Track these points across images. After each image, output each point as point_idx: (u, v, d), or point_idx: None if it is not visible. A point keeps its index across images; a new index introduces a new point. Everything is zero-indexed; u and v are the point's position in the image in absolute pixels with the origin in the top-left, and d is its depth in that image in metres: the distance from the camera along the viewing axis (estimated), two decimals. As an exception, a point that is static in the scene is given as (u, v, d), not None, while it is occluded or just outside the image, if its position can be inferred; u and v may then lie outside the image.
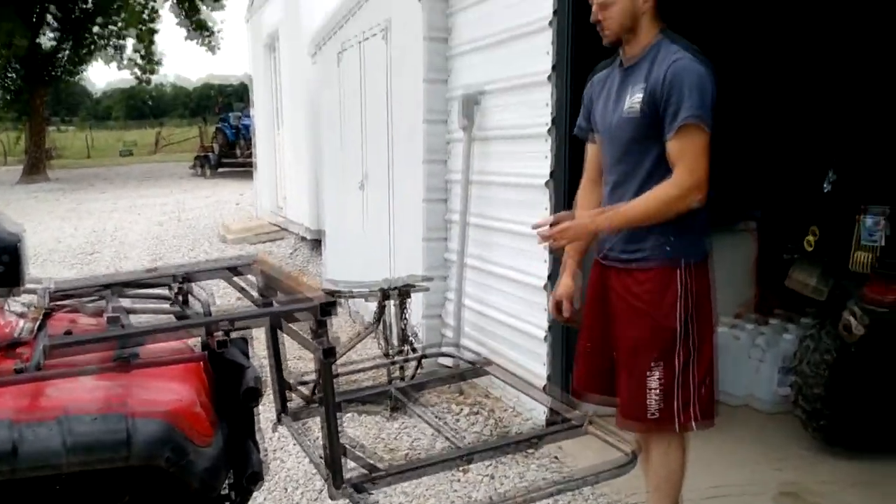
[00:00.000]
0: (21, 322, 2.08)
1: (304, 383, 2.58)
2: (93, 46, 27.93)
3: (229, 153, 24.44)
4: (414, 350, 5.01)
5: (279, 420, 2.50)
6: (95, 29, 27.25)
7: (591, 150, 2.97)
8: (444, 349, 5.12)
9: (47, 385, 1.83)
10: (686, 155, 2.50)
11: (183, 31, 27.96)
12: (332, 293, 5.11)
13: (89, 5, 26.33)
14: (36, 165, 25.88)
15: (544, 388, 4.18)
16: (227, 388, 2.04)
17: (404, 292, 4.95)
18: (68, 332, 2.00)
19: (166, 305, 2.35)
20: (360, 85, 6.83)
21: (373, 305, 5.09)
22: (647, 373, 2.65)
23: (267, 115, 12.69)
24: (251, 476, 2.05)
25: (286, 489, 3.80)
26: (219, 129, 25.47)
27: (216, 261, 2.64)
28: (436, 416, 4.45)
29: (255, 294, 2.38)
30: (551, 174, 4.17)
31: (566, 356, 4.07)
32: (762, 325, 4.81)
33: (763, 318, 4.93)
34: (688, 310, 2.64)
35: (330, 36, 7.87)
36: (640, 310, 2.67)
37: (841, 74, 5.54)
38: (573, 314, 2.97)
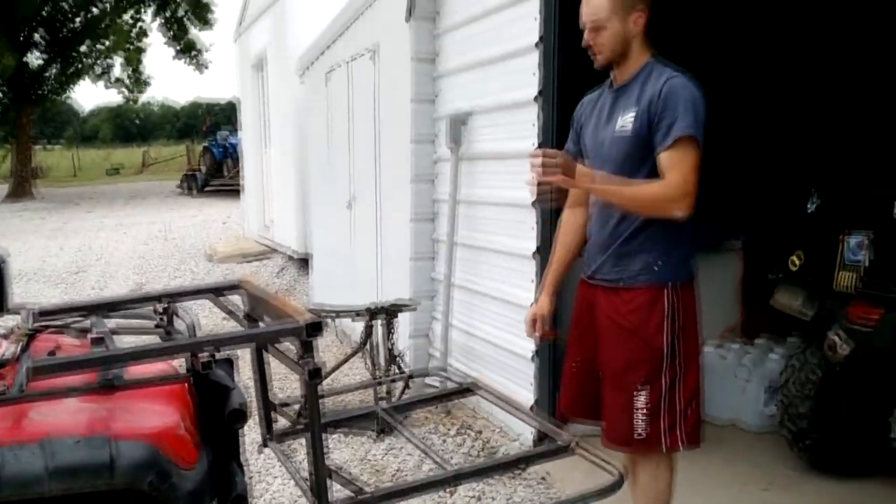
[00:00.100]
0: (4, 344, 2.07)
1: (289, 405, 2.57)
2: (80, 66, 27.90)
3: (217, 173, 24.44)
4: (401, 371, 5.00)
5: (265, 442, 2.48)
6: (83, 48, 27.24)
7: None
8: (431, 370, 5.12)
9: (30, 408, 1.81)
10: (680, 165, 2.51)
11: (171, 52, 28.04)
12: (318, 313, 5.11)
13: (77, 25, 26.33)
14: (22, 185, 25.80)
15: (532, 409, 4.18)
16: (212, 410, 2.03)
17: (391, 313, 4.95)
18: (52, 354, 1.98)
19: (151, 326, 2.34)
20: (347, 105, 6.85)
21: (360, 326, 5.08)
22: (634, 393, 2.65)
23: (255, 135, 12.70)
24: (236, 499, 2.03)
25: (272, 512, 3.77)
26: (206, 149, 25.47)
27: (202, 284, 2.63)
28: (423, 438, 4.44)
29: (241, 315, 2.37)
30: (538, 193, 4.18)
31: (553, 377, 4.07)
32: (748, 345, 4.83)
33: (749, 339, 4.95)
34: (675, 330, 2.65)
35: (318, 56, 7.90)
36: (627, 330, 2.67)
37: (822, 96, 5.60)
38: (546, 333, 3.01)
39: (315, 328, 1.87)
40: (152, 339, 2.21)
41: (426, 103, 5.34)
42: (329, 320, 6.28)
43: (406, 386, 5.01)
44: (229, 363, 2.12)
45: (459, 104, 5.02)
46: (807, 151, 5.46)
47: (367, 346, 5.03)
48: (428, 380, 5.16)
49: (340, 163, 7.15)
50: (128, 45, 27.03)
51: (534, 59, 4.15)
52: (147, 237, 14.53)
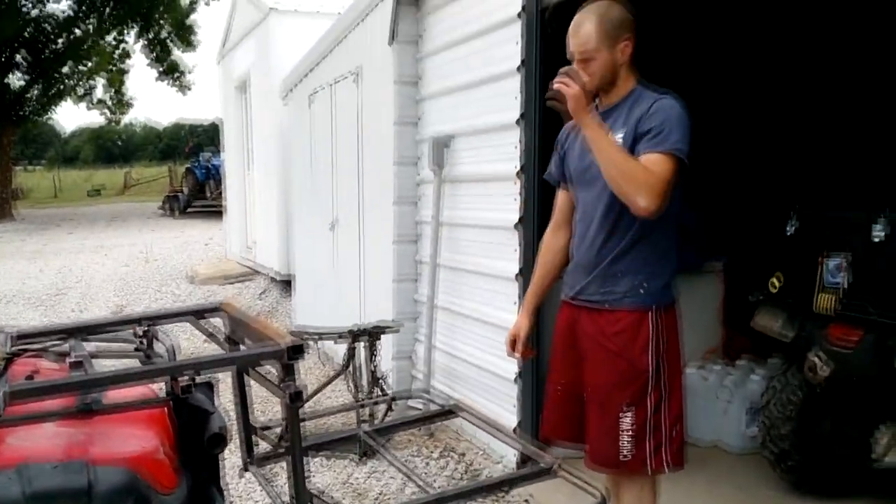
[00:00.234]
0: (-18, 368, 2.04)
1: (271, 428, 2.55)
2: (62, 87, 27.82)
3: (199, 194, 24.36)
4: (384, 393, 4.98)
5: (245, 467, 2.46)
6: (65, 69, 27.17)
7: (561, 196, 3.00)
8: (414, 392, 5.10)
9: (7, 432, 1.79)
10: (662, 170, 2.50)
11: (153, 73, 28.00)
12: (300, 336, 5.09)
13: (60, 46, 26.28)
14: (2, 206, 25.61)
15: (515, 430, 4.17)
16: (192, 434, 2.01)
17: (374, 335, 4.93)
18: (30, 378, 1.96)
19: (131, 349, 2.32)
20: (331, 127, 6.86)
21: (343, 347, 5.06)
22: (620, 415, 2.65)
23: (237, 157, 12.69)
24: (216, 524, 2.01)
25: (253, 536, 3.73)
26: (189, 170, 25.40)
27: (182, 307, 2.61)
28: (406, 461, 4.41)
29: (222, 337, 2.36)
30: (521, 216, 4.20)
31: (536, 398, 4.07)
32: (730, 366, 4.85)
33: (731, 360, 4.97)
34: (659, 352, 2.66)
35: (301, 78, 7.92)
36: (613, 351, 2.68)
37: (802, 119, 5.66)
38: (525, 351, 3.04)
39: (296, 351, 1.86)
40: (132, 363, 2.19)
41: (409, 125, 5.36)
42: (311, 342, 6.25)
43: (389, 408, 4.99)
44: (209, 387, 2.11)
45: (442, 127, 5.04)
46: (786, 174, 5.51)
47: (350, 369, 5.01)
48: (411, 402, 5.14)
49: (323, 185, 7.16)
50: (110, 67, 27.00)
51: (516, 82, 4.18)
52: (128, 259, 14.44)
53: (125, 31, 27.11)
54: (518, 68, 4.15)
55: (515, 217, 4.22)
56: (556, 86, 2.63)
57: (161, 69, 27.93)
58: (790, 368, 3.84)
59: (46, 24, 26.08)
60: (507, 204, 4.29)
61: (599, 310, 2.72)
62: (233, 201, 13.35)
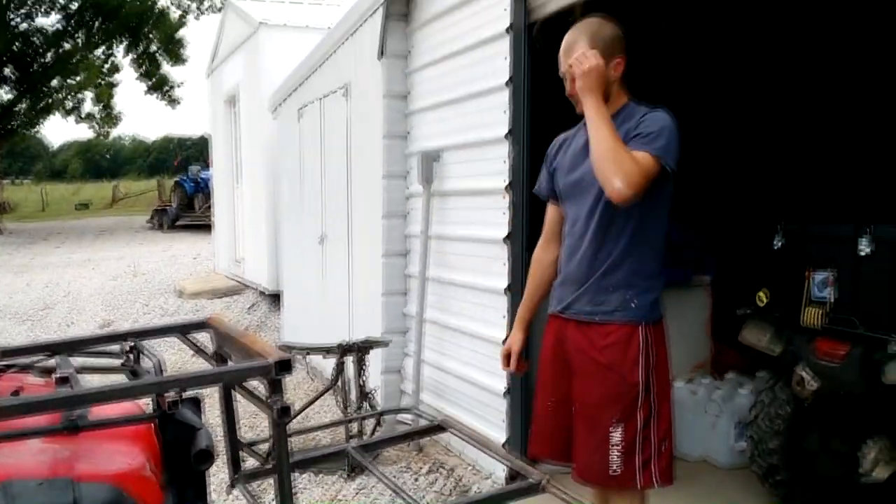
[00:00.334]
0: (-34, 384, 2.02)
1: (258, 443, 2.54)
2: (51, 101, 27.75)
3: (188, 208, 24.31)
4: (373, 408, 4.97)
5: (233, 483, 2.45)
6: (54, 83, 27.12)
7: (550, 211, 3.01)
8: (403, 408, 5.09)
9: (-9, 449, 1.77)
10: (645, 166, 2.52)
11: (142, 87, 27.97)
12: (288, 349, 5.07)
13: (48, 60, 26.23)
14: (-11, 220, 25.47)
15: (504, 446, 4.16)
16: (179, 450, 2.00)
17: (363, 350, 4.93)
18: (16, 394, 1.95)
19: (118, 365, 2.30)
20: (320, 141, 6.87)
21: (331, 362, 5.05)
22: (611, 428, 2.65)
23: (226, 171, 12.67)
24: (202, 541, 2.00)
25: (240, 553, 3.70)
26: (178, 183, 25.35)
27: (168, 323, 2.60)
28: (395, 476, 4.40)
29: (210, 352, 2.34)
30: (510, 230, 4.21)
31: (525, 413, 4.06)
32: (718, 380, 4.86)
33: (719, 374, 4.99)
34: (649, 367, 2.67)
35: (290, 93, 7.94)
36: (603, 364, 2.68)
37: (788, 134, 5.71)
38: (519, 366, 3.05)
39: (284, 367, 1.85)
40: (118, 378, 2.18)
41: (398, 140, 5.37)
42: (300, 357, 6.24)
43: (377, 423, 4.97)
44: (196, 402, 2.09)
45: (431, 141, 5.06)
46: (773, 189, 5.55)
47: (339, 384, 5.00)
48: (400, 417, 5.13)
49: (312, 199, 7.16)
50: (99, 81, 26.94)
51: (504, 97, 4.20)
52: (116, 273, 14.38)
53: (114, 45, 27.10)
54: (507, 83, 4.17)
55: (504, 231, 4.23)
56: (572, 60, 2.65)
57: (150, 83, 27.90)
58: (778, 383, 3.85)
59: (35, 38, 26.04)
60: (496, 218, 4.30)
61: (589, 323, 2.73)
62: (221, 215, 13.32)
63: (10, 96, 26.93)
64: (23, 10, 25.37)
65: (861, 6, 5.01)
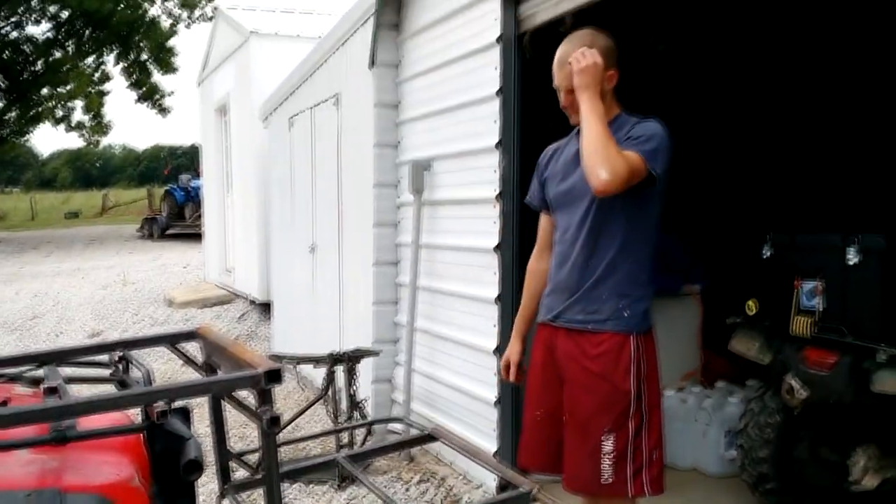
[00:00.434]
0: (-47, 395, 2.01)
1: (248, 454, 2.53)
2: (40, 110, 27.63)
3: (178, 217, 24.24)
4: (364, 417, 4.96)
5: (222, 494, 2.44)
6: (44, 92, 27.02)
7: (543, 221, 3.03)
8: (393, 417, 5.08)
9: (-22, 461, 1.76)
10: (633, 161, 2.54)
11: (132, 96, 27.86)
12: (278, 359, 5.06)
13: (39, 68, 26.15)
14: (-22, 229, 25.32)
15: (495, 454, 4.16)
16: (168, 461, 1.99)
17: (353, 359, 4.92)
18: (3, 405, 1.94)
19: (107, 374, 2.29)
20: (310, 150, 6.87)
21: (322, 371, 5.04)
22: (602, 437, 2.65)
23: (216, 179, 12.65)
24: (191, 553, 1.98)
25: (229, 564, 3.68)
26: (168, 192, 25.29)
27: (157, 333, 2.59)
28: (385, 486, 4.39)
29: (199, 362, 2.34)
30: (500, 240, 4.22)
31: (515, 422, 4.06)
32: (708, 389, 4.86)
33: (709, 383, 5.00)
34: (640, 376, 2.67)
35: (281, 102, 7.94)
36: (595, 373, 2.69)
37: (778, 144, 5.74)
38: (520, 377, 3.05)
39: (273, 377, 1.85)
40: (108, 389, 2.17)
41: (389, 149, 5.38)
42: (290, 367, 6.22)
43: (368, 433, 4.97)
44: (185, 413, 2.08)
45: (422, 150, 5.06)
46: (763, 198, 5.58)
47: (329, 393, 4.99)
48: (391, 426, 5.12)
49: (303, 208, 7.15)
50: (89, 90, 26.86)
51: (494, 107, 4.21)
52: (106, 282, 14.32)
53: (104, 54, 27.02)
54: (497, 93, 4.18)
55: (495, 241, 4.24)
56: (571, 59, 2.67)
57: (140, 92, 27.83)
58: (768, 392, 3.86)
59: (25, 47, 25.97)
60: (487, 227, 4.31)
61: (581, 331, 2.74)
62: (211, 225, 13.29)
63: (-1, 105, 26.86)
64: (13, 19, 25.32)
65: (843, 21, 5.06)
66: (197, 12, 26.82)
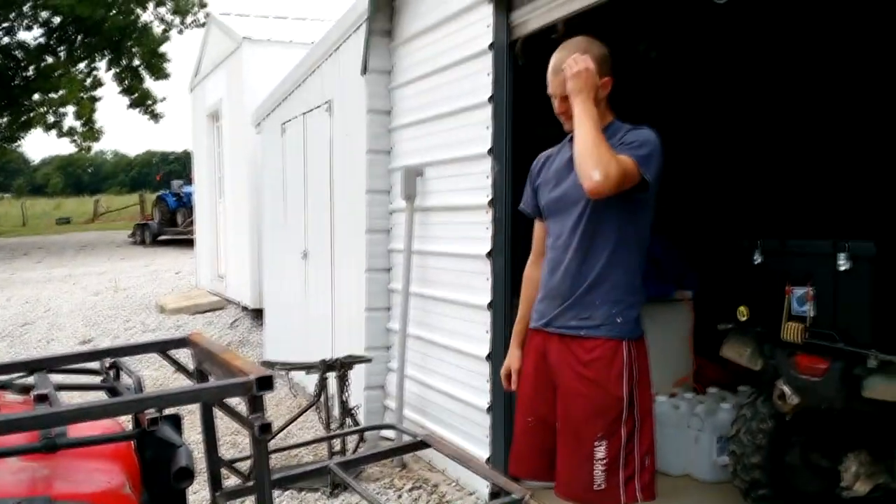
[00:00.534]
0: (-57, 402, 2.00)
1: (239, 460, 2.52)
2: (32, 115, 27.53)
3: (170, 223, 24.18)
4: (356, 424, 4.95)
5: (213, 502, 2.43)
6: (35, 98, 26.93)
7: (538, 228, 3.03)
8: (385, 424, 5.07)
9: (-32, 469, 1.75)
10: (626, 164, 2.55)
11: (124, 102, 27.80)
12: (270, 366, 5.05)
13: (31, 74, 26.07)
14: (-32, 235, 25.19)
15: (487, 461, 4.15)
16: (159, 468, 1.98)
17: (345, 366, 4.92)
18: (-7, 412, 1.93)
19: (98, 381, 2.29)
20: (303, 156, 6.86)
21: (314, 378, 5.03)
22: (595, 443, 2.66)
23: (209, 185, 12.63)
24: (182, 561, 1.98)
25: (221, 572, 3.66)
26: (160, 198, 25.23)
27: (148, 340, 2.58)
28: (378, 493, 4.38)
29: (190, 368, 2.33)
30: (492, 246, 4.22)
31: (507, 429, 4.06)
32: (701, 395, 4.87)
33: (701, 389, 5.00)
34: (632, 382, 2.68)
35: (274, 108, 7.93)
36: (588, 378, 2.69)
37: (769, 151, 5.77)
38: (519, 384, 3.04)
39: (264, 384, 1.85)
40: (98, 396, 2.16)
41: (381, 155, 5.38)
42: (282, 374, 6.21)
43: (361, 440, 4.96)
44: (176, 420, 2.08)
45: (414, 157, 5.06)
46: (755, 205, 5.60)
47: (321, 400, 4.98)
48: (383, 433, 5.11)
49: (295, 214, 7.15)
50: (81, 95, 26.77)
51: (486, 114, 4.21)
52: (97, 288, 14.27)
53: (96, 60, 26.95)
54: (489, 100, 4.19)
55: (487, 247, 4.24)
56: (564, 65, 2.68)
57: (132, 98, 27.76)
58: (759, 397, 3.87)
59: (17, 53, 25.89)
60: (479, 234, 4.31)
61: (574, 337, 2.74)
62: (203, 231, 13.27)
63: (-11, 111, 26.74)
64: (4, 25, 25.25)
65: (832, 30, 5.09)
66: (189, 18, 26.79)
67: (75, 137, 28.52)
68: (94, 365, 2.33)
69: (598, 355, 2.69)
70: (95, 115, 27.98)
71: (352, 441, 4.90)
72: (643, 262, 2.79)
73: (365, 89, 5.36)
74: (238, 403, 1.89)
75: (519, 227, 3.72)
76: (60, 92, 26.00)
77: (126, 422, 2.01)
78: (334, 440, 4.79)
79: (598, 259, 2.71)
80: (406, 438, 3.23)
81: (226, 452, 4.83)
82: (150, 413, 1.88)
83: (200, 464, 2.24)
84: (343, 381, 4.92)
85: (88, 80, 27.12)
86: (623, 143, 2.63)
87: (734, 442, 3.94)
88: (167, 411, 1.99)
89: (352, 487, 2.24)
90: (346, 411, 4.94)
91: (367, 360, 5.15)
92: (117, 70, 26.99)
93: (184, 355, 2.32)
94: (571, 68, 2.66)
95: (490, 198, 4.20)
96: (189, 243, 16.94)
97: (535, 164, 3.02)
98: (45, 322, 11.20)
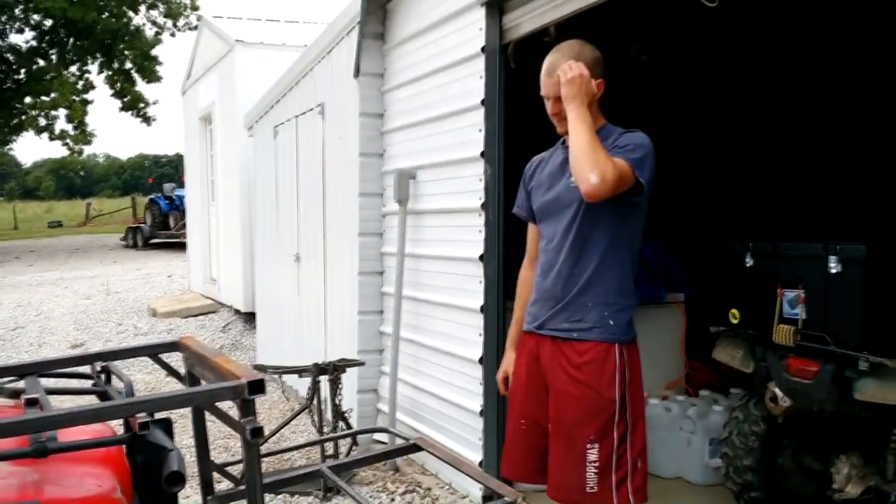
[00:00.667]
0: (-67, 407, 1.99)
1: (231, 464, 2.51)
2: (23, 118, 27.44)
3: (163, 226, 24.13)
4: (348, 427, 4.94)
5: (205, 505, 2.42)
6: (27, 101, 26.83)
7: (532, 231, 3.03)
8: (378, 427, 5.06)
9: (-42, 474, 1.74)
10: (621, 167, 2.55)
11: (116, 105, 27.72)
12: (262, 369, 5.04)
13: (22, 77, 25.98)
14: (-41, 239, 25.07)
15: (479, 464, 4.15)
16: (150, 472, 1.98)
17: (338, 369, 4.91)
18: (-18, 416, 1.92)
19: (89, 385, 2.28)
20: (295, 160, 6.86)
21: (307, 381, 5.03)
22: (588, 445, 2.66)
23: (201, 189, 12.61)
24: (174, 565, 1.97)
25: (213, 576, 3.65)
26: (152, 201, 25.17)
27: (139, 344, 2.57)
28: (371, 497, 4.37)
29: (182, 372, 2.33)
30: (485, 249, 4.22)
31: (500, 432, 4.05)
32: (693, 397, 4.88)
33: (694, 391, 5.01)
34: (624, 383, 2.69)
35: (266, 111, 7.93)
36: (580, 381, 2.69)
37: (761, 153, 5.78)
38: None
39: (256, 387, 1.84)
40: (89, 400, 2.16)
41: (374, 158, 5.37)
42: (275, 377, 6.20)
43: (353, 443, 4.95)
44: (167, 424, 2.07)
45: (407, 160, 5.06)
46: (746, 207, 5.61)
47: (314, 404, 4.97)
48: (376, 437, 5.10)
49: (287, 217, 7.13)
50: (73, 98, 26.69)
51: (478, 117, 4.22)
52: (89, 292, 14.22)
53: (88, 63, 26.87)
54: (481, 103, 4.19)
55: (480, 250, 4.24)
56: (559, 71, 2.69)
57: (124, 101, 27.69)
58: (751, 400, 3.88)
59: (8, 56, 25.80)
60: (472, 237, 4.31)
61: (566, 339, 2.75)
62: (195, 234, 13.24)
63: (-19, 114, 26.62)
64: (-4, 28, 25.20)
65: (824, 33, 5.11)
66: (181, 21, 26.76)
67: (67, 140, 28.43)
68: (85, 369, 2.32)
69: (591, 358, 2.69)
70: (87, 119, 27.91)
71: (344, 445, 4.89)
72: (635, 265, 2.79)
73: (357, 92, 5.36)
74: (230, 407, 1.89)
75: (512, 230, 3.72)
76: (52, 95, 25.92)
77: (117, 426, 2.01)
78: (327, 444, 4.78)
79: (591, 262, 2.72)
80: (399, 442, 3.22)
81: (218, 456, 4.82)
82: (142, 417, 1.87)
83: (192, 468, 2.22)
84: (336, 385, 4.91)
85: (80, 83, 27.05)
86: (617, 147, 2.64)
87: (726, 444, 3.95)
88: (158, 415, 1.98)
89: (344, 491, 2.24)
90: (339, 415, 4.93)
91: (360, 364, 5.14)
92: (109, 73, 26.92)
93: (175, 359, 2.31)
94: (566, 74, 2.67)
95: (483, 201, 4.20)
96: (181, 246, 16.91)
97: (528, 168, 3.02)
98: (36, 326, 11.16)
